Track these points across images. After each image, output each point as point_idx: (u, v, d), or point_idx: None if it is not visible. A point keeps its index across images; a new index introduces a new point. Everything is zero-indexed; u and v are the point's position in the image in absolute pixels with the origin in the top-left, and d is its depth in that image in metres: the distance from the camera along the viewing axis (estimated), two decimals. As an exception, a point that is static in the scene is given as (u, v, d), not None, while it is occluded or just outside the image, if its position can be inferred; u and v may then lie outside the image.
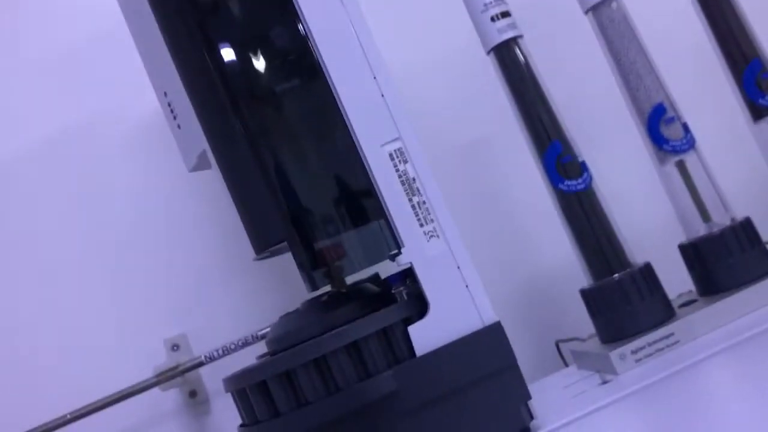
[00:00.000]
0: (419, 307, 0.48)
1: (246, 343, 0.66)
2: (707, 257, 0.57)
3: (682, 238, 0.60)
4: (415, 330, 0.47)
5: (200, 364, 0.67)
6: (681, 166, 0.59)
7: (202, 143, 0.54)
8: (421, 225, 0.48)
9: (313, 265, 0.52)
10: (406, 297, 0.49)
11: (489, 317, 0.48)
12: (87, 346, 0.71)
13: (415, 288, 0.48)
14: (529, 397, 0.47)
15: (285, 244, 0.53)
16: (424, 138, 0.51)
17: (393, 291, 0.49)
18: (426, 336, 0.47)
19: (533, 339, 0.71)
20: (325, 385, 0.46)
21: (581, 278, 0.59)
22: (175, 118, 0.58)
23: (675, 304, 0.58)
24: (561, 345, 0.69)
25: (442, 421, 0.46)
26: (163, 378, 0.66)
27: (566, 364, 0.68)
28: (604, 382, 0.53)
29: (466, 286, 0.48)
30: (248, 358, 0.57)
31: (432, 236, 0.48)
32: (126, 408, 0.67)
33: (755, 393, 0.41)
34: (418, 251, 0.48)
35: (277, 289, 0.73)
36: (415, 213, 0.48)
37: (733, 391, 0.44)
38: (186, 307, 0.73)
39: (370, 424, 0.46)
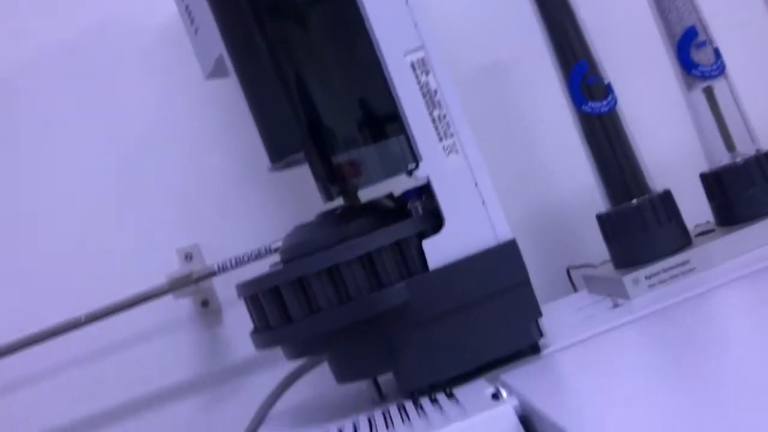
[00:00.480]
0: (434, 221, 0.47)
1: (259, 255, 0.67)
2: (729, 187, 0.56)
3: (704, 169, 0.59)
4: (429, 244, 0.47)
5: (213, 274, 0.68)
6: (708, 93, 0.57)
7: (219, 48, 0.52)
8: (441, 139, 0.48)
9: (329, 176, 0.51)
10: (421, 212, 0.48)
11: (504, 234, 0.47)
12: (101, 252, 0.72)
13: (431, 203, 0.48)
14: (540, 315, 0.47)
15: (300, 155, 0.52)
16: (447, 57, 0.49)
17: (408, 206, 0.49)
18: (440, 250, 0.47)
19: (544, 264, 0.71)
20: (338, 294, 0.46)
21: (596, 206, 0.58)
22: (192, 22, 0.57)
23: (692, 234, 0.57)
24: (572, 271, 0.69)
25: (453, 333, 0.46)
26: (177, 284, 0.67)
27: (576, 291, 0.68)
28: (616, 306, 0.53)
29: (483, 203, 0.47)
30: (260, 270, 0.57)
31: (451, 151, 0.48)
32: (139, 313, 0.68)
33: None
34: (436, 165, 0.47)
35: (291, 201, 0.72)
36: (434, 126, 0.47)
37: (747, 319, 0.44)
38: (199, 218, 0.73)
39: (381, 333, 0.46)
